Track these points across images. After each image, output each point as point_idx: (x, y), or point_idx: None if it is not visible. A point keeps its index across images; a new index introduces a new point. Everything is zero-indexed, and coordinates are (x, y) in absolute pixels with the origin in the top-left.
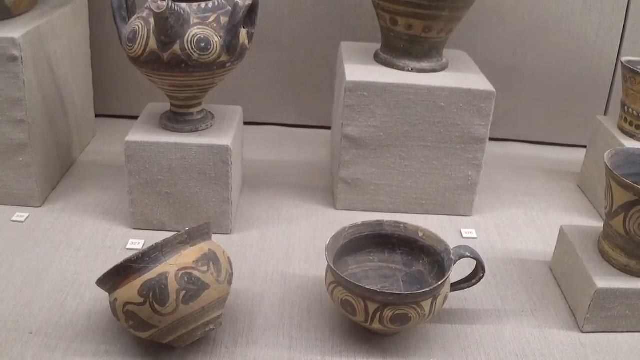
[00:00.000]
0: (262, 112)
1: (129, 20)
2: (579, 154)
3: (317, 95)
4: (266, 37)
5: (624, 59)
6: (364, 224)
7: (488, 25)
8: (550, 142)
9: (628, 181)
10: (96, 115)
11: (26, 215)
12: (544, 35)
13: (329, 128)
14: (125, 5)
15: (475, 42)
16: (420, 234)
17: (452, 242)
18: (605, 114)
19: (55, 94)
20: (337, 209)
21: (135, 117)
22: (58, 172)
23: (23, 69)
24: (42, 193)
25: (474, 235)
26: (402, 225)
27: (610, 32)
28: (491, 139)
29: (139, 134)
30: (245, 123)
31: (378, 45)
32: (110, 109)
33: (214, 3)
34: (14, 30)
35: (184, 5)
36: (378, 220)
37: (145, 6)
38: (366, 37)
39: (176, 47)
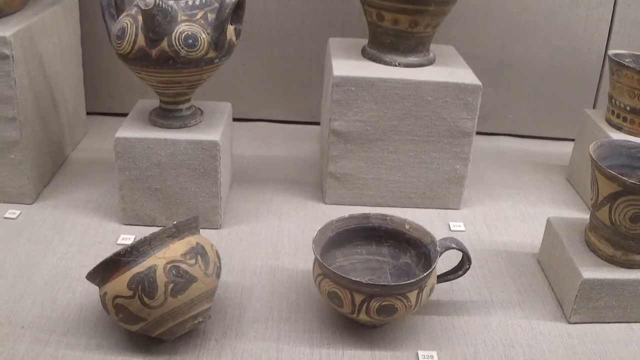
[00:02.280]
0: (251, 108)
1: (117, 17)
2: (568, 147)
3: (306, 91)
4: (255, 33)
5: (611, 52)
6: (351, 217)
7: (476, 19)
8: (538, 135)
9: (612, 172)
10: (88, 113)
11: (18, 212)
12: (532, 29)
13: (318, 123)
14: (114, 3)
15: (463, 37)
16: (407, 227)
17: (440, 235)
18: (593, 107)
19: (46, 91)
20: (326, 203)
21: (127, 115)
22: (50, 169)
23: (14, 67)
24: (34, 190)
25: (462, 228)
26: (388, 218)
27: (598, 25)
28: (480, 133)
29: (129, 131)
30: (235, 119)
31: (366, 41)
32: (102, 106)
33: (201, 0)
34: (5, 29)
35: (171, 2)
36: (365, 214)
37: (134, 4)
38: (354, 32)
39: (164, 43)
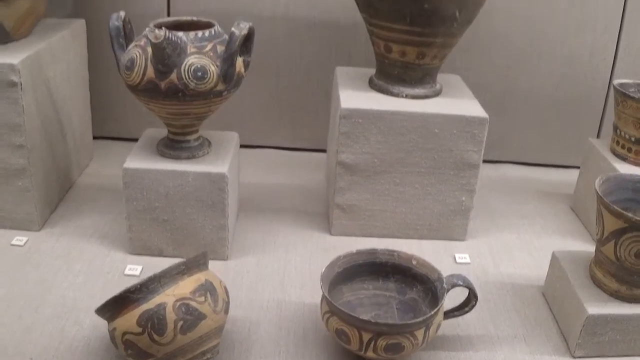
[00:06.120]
0: (258, 135)
1: (126, 47)
2: (573, 175)
3: (313, 118)
4: (261, 61)
5: (616, 82)
6: (358, 253)
7: (481, 49)
8: (544, 163)
9: (618, 209)
10: (94, 137)
11: (25, 239)
12: (537, 58)
13: (324, 151)
14: (123, 33)
15: (469, 66)
16: (414, 262)
17: (446, 268)
18: (598, 135)
19: (54, 118)
20: (332, 235)
21: (134, 140)
22: (57, 195)
23: (22, 95)
24: (41, 217)
25: (468, 260)
26: (395, 254)
27: (604, 52)
28: (485, 161)
29: (137, 161)
30: (241, 146)
31: (373, 70)
32: (109, 131)
33: (210, 32)
34: (13, 56)
35: (180, 34)
36: (372, 249)
37: (143, 34)
38: (361, 61)
39: (173, 76)
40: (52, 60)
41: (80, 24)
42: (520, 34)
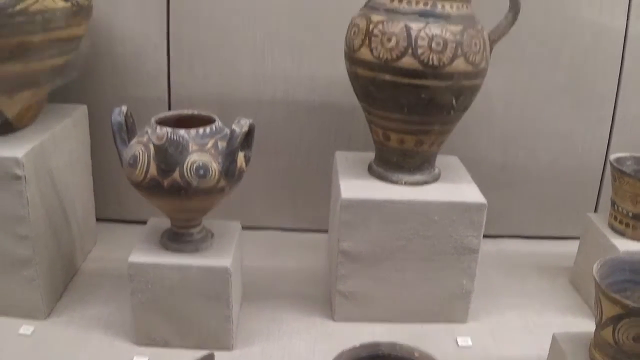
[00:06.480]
0: (259, 217)
1: (129, 141)
2: (571, 246)
3: (313, 200)
4: (262, 144)
5: (612, 157)
6: (361, 347)
7: (479, 127)
8: (542, 235)
9: (616, 296)
10: (97, 220)
11: (32, 328)
12: (534, 135)
13: (325, 231)
14: (125, 127)
15: (467, 143)
16: (416, 355)
17: (448, 352)
18: (596, 208)
19: (58, 207)
20: (335, 321)
21: (136, 222)
22: (62, 283)
23: (26, 187)
24: (47, 306)
25: (470, 343)
26: (397, 347)
27: (600, 125)
28: (484, 236)
29: (142, 255)
30: (243, 227)
31: (372, 154)
32: (111, 213)
33: (211, 128)
34: (17, 148)
35: (182, 132)
36: (375, 342)
37: (145, 130)
38: (360, 144)
39: (176, 174)
40: (55, 150)
41: (82, 111)
42: (516, 118)
